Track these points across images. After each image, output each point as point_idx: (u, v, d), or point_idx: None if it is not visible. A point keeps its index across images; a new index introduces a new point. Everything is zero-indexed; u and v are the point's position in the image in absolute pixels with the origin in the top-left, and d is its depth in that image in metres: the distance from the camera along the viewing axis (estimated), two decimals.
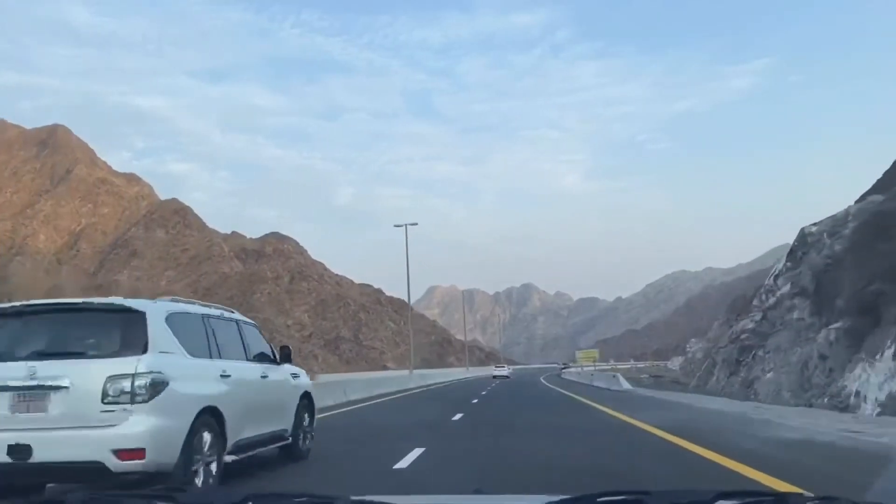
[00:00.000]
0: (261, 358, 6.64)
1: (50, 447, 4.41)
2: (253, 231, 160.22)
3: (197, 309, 5.88)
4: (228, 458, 5.45)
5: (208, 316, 5.89)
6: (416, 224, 45.62)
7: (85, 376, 4.55)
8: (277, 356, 7.03)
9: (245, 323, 6.68)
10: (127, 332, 4.80)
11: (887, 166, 33.05)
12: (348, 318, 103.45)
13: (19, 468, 4.40)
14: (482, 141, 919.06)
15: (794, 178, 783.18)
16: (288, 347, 7.53)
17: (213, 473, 5.14)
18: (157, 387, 4.60)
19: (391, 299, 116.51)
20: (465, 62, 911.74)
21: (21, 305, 5.19)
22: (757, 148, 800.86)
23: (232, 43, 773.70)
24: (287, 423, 6.86)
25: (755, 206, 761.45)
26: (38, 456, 4.38)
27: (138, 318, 4.86)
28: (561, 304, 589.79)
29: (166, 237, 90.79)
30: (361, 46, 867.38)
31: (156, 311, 5.08)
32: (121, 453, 4.40)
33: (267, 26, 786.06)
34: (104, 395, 4.50)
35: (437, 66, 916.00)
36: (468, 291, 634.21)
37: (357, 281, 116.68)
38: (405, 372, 60.43)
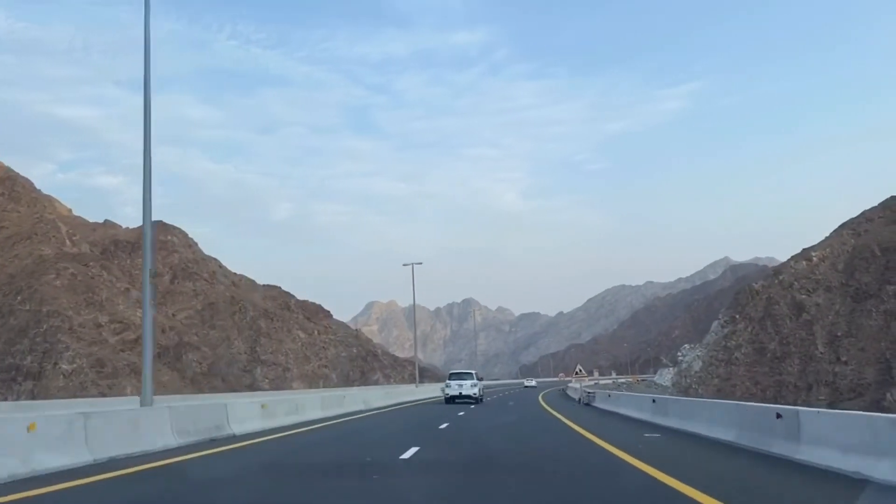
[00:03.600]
0: (479, 378, 38.47)
1: (465, 392, 33.90)
2: (133, 220, 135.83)
3: (477, 372, 39.46)
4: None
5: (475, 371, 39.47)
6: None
7: (469, 381, 35.04)
8: (480, 377, 40.71)
9: (476, 373, 38.74)
10: (473, 375, 36.71)
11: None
12: (244, 327, 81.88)
13: (460, 395, 33.76)
14: (422, 158, 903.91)
15: (726, 196, 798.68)
16: (480, 374, 42.93)
17: (482, 400, 35.55)
18: (477, 385, 35.55)
19: (303, 304, 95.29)
20: (404, 79, 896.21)
21: (456, 371, 39.79)
22: (690, 167, 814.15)
23: (163, 53, 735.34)
24: (480, 394, 36.07)
25: (691, 223, 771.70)
26: (463, 393, 33.79)
27: (474, 373, 37.59)
28: (503, 320, 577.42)
29: None
30: (299, 60, 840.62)
31: (473, 372, 37.83)
32: (476, 395, 34.28)
33: (201, 37, 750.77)
34: (473, 385, 34.62)
35: (376, 82, 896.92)
36: (408, 307, 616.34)
37: (261, 282, 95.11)
38: (299, 395, 39.76)
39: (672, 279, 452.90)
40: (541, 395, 49.23)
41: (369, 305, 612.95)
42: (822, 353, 48.36)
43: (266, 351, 79.84)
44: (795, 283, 53.78)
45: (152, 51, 14.77)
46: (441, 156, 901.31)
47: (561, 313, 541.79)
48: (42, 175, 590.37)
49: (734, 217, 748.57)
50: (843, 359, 46.99)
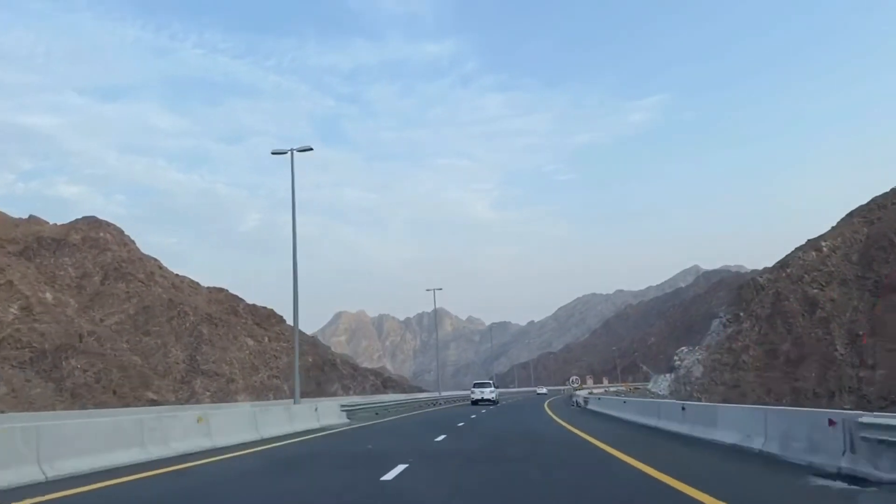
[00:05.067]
0: (496, 386, 53.02)
1: (486, 396, 47.12)
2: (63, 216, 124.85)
3: (494, 381, 58.66)
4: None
5: (493, 381, 58.62)
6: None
7: (488, 389, 48.99)
8: (497, 385, 55.45)
9: (495, 383, 56.43)
10: (492, 384, 51.78)
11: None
12: (183, 333, 72.76)
13: (482, 399, 46.73)
14: (392, 168, 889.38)
15: (694, 205, 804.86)
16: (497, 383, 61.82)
17: (497, 403, 47.61)
18: (494, 391, 49.08)
19: (253, 308, 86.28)
20: (373, 89, 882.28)
21: (479, 382, 53.28)
22: (658, 177, 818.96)
23: (128, 61, 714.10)
24: (497, 398, 49.17)
25: (660, 232, 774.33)
26: (483, 397, 47.02)
27: (493, 382, 54.12)
28: (473, 329, 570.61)
29: None
30: (267, 69, 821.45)
31: (492, 381, 54.76)
32: (494, 399, 48.58)
33: (167, 45, 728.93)
34: (491, 391, 48.32)
35: (346, 92, 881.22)
36: (378, 317, 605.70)
37: (206, 284, 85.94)
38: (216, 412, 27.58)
39: (642, 287, 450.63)
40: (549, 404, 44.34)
41: (337, 316, 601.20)
42: (842, 355, 41.67)
43: (207, 360, 70.83)
44: (805, 275, 47.16)
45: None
46: (412, 166, 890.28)
47: (532, 322, 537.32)
48: (2, 185, 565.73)
49: (702, 226, 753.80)
50: (870, 362, 40.37)
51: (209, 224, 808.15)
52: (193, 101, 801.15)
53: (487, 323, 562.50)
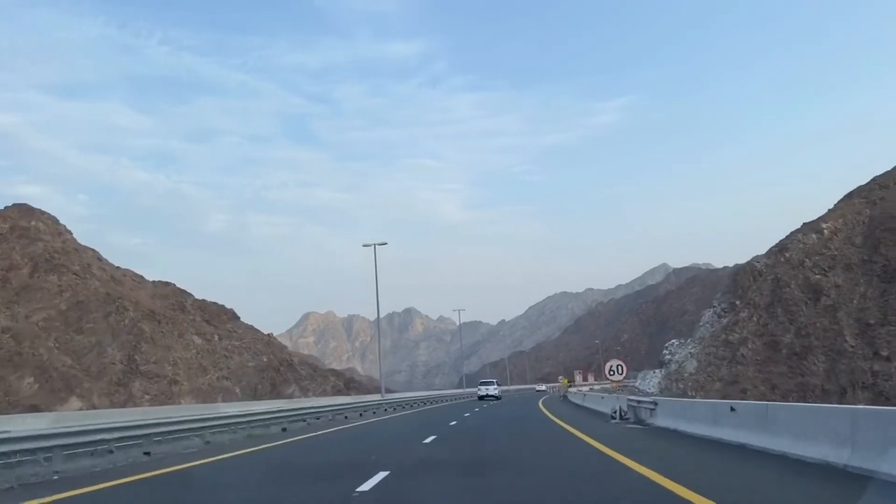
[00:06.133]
0: (498, 384, 61.08)
1: (490, 393, 53.79)
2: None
3: (497, 380, 66.21)
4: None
5: (496, 380, 67.19)
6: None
7: (492, 386, 56.35)
8: (500, 383, 64.64)
9: (497, 381, 63.77)
10: (495, 382, 59.52)
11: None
12: (121, 330, 65.82)
13: (487, 395, 53.23)
14: (362, 168, 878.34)
15: (661, 205, 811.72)
16: (500, 382, 72.15)
17: (500, 398, 54.62)
18: (497, 388, 56.80)
19: (202, 304, 79.49)
20: (342, 88, 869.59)
21: (484, 380, 61.19)
22: (626, 178, 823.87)
23: (90, 58, 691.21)
24: (500, 394, 56.92)
25: (628, 231, 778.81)
26: (489, 393, 53.81)
27: (496, 381, 61.60)
28: (444, 329, 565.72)
29: None
30: (234, 67, 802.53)
31: (495, 380, 62.73)
32: (497, 395, 54.67)
33: (131, 42, 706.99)
34: (495, 388, 56.22)
35: (314, 91, 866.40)
36: (347, 318, 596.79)
37: (150, 278, 78.89)
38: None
39: (612, 286, 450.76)
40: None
41: (305, 317, 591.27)
42: (853, 346, 37.15)
43: (148, 360, 64.03)
44: (807, 260, 42.62)
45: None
46: (382, 166, 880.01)
47: (503, 321, 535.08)
48: None
49: (670, 225, 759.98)
50: (884, 353, 35.92)
51: (174, 224, 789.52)
52: (158, 100, 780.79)
53: (458, 322, 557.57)
